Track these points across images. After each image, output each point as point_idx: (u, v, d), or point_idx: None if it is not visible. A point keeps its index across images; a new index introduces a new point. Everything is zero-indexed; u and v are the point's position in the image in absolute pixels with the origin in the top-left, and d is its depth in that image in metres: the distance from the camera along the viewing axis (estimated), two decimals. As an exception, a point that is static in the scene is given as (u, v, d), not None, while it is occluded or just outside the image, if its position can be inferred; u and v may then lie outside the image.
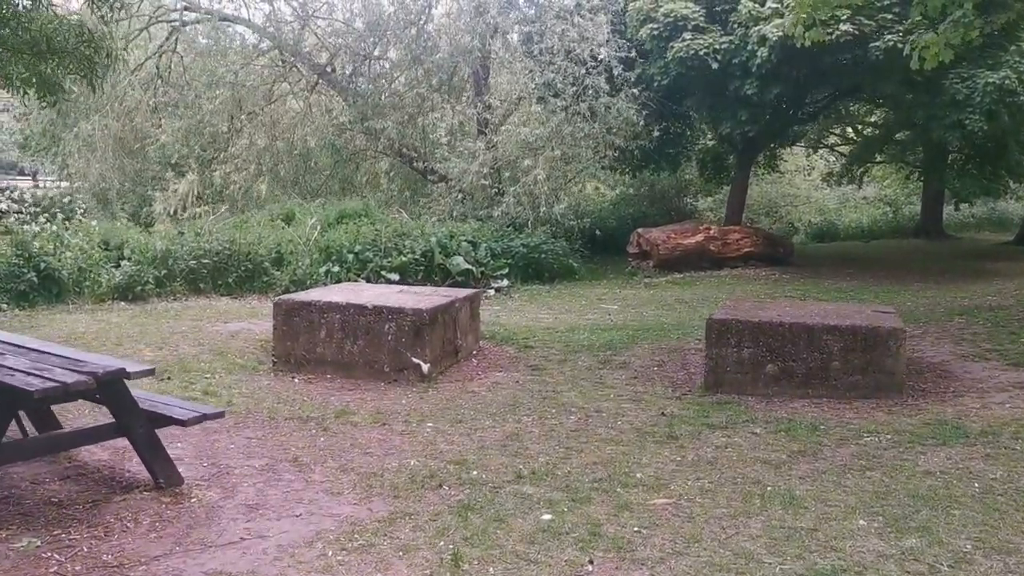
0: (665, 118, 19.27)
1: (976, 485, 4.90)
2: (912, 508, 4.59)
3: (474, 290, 9.49)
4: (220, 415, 5.00)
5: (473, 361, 8.77)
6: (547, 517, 4.54)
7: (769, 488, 4.95)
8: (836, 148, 30.27)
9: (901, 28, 14.88)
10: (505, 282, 14.04)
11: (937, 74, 15.77)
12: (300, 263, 12.52)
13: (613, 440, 6.00)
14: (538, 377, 8.06)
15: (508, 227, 15.53)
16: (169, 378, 7.46)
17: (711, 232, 17.45)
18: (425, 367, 7.93)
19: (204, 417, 4.83)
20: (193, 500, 4.81)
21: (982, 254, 22.67)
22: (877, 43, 14.98)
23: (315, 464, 5.46)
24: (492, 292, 13.67)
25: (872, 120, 26.82)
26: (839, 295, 14.26)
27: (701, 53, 16.09)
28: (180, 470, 5.12)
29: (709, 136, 22.66)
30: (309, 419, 6.53)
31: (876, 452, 5.60)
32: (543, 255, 15.02)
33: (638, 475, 5.23)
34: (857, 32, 14.94)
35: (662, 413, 6.72)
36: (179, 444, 5.76)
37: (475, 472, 5.30)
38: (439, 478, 5.19)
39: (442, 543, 4.21)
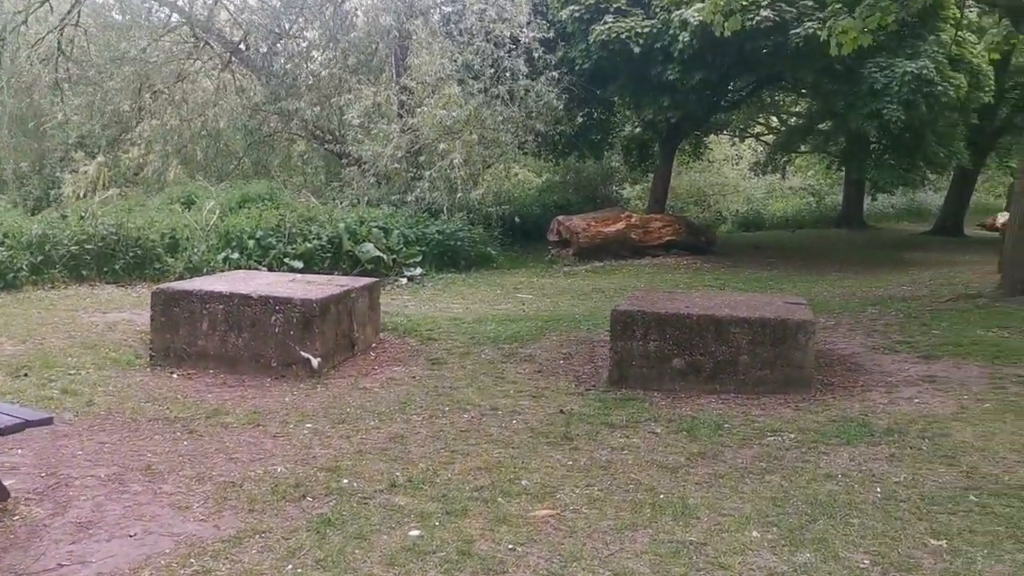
0: (588, 103, 18.94)
1: (878, 490, 4.61)
2: (809, 517, 4.26)
3: (374, 279, 8.98)
4: (47, 421, 4.41)
5: (371, 354, 8.28)
6: (415, 533, 4.10)
7: (662, 496, 4.58)
8: (762, 137, 30.41)
9: (821, 15, 14.75)
10: (418, 270, 13.53)
11: (856, 63, 15.76)
12: (196, 249, 11.81)
13: (504, 442, 5.58)
14: (436, 372, 7.61)
15: (424, 213, 15.00)
16: (26, 375, 6.81)
17: (633, 220, 17.19)
18: (315, 362, 7.42)
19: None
20: (16, 518, 4.24)
21: (900, 244, 22.97)
22: (797, 30, 14.84)
23: (169, 473, 4.92)
24: (404, 281, 13.16)
25: (796, 110, 26.98)
26: (757, 285, 14.13)
27: (623, 37, 15.76)
28: (10, 482, 4.55)
29: (634, 122, 22.43)
30: (176, 420, 5.97)
31: (778, 453, 5.29)
32: (459, 242, 14.55)
33: (523, 482, 4.81)
34: (777, 19, 14.77)
35: (561, 411, 6.33)
36: (19, 451, 5.16)
37: (346, 480, 4.83)
38: (304, 488, 4.71)
39: (290, 567, 3.74)
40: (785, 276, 15.31)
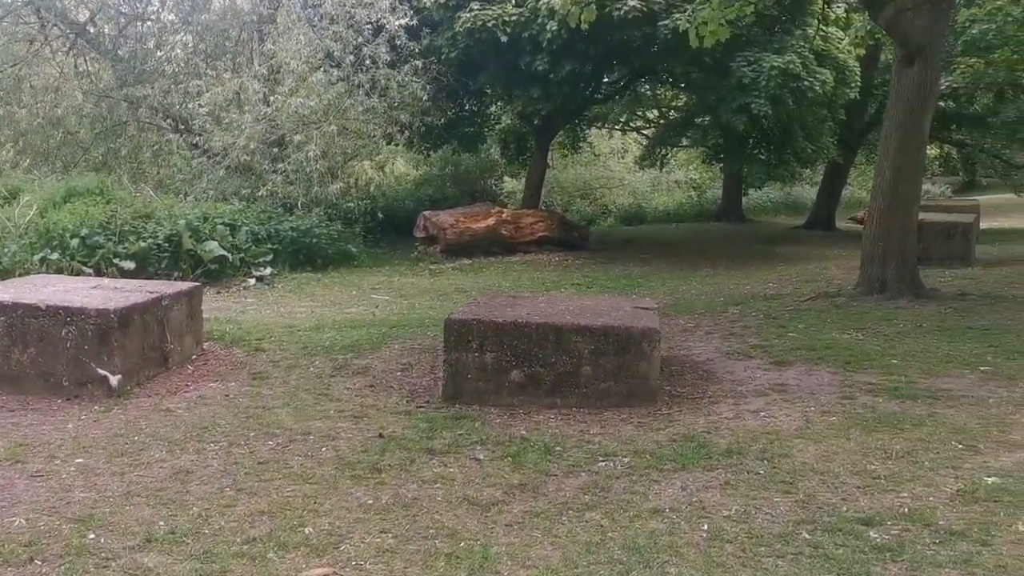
0: (460, 94, 18.30)
1: (705, 528, 4.12)
2: (624, 567, 3.73)
3: (193, 284, 8.11)
4: None
5: (188, 369, 7.43)
6: (150, 608, 3.38)
7: (463, 543, 3.98)
8: (643, 131, 30.37)
9: (689, 7, 14.51)
10: (268, 270, 12.63)
11: (725, 57, 15.61)
12: (6, 250, 10.64)
13: (303, 476, 4.89)
14: (255, 389, 6.84)
15: (278, 209, 14.08)
16: None
17: (503, 216, 16.67)
18: (114, 380, 6.55)
19: None
20: None
21: (774, 238, 23.17)
22: (666, 21, 14.55)
23: None
24: (252, 282, 12.24)
25: (677, 104, 26.99)
26: (626, 283, 13.79)
27: (490, 25, 15.18)
28: None
29: (510, 115, 21.92)
30: (-87, 459, 5.05)
31: (606, 483, 4.76)
32: (315, 240, 13.70)
33: (308, 530, 4.14)
34: (646, 9, 14.45)
35: (380, 434, 5.67)
36: None
37: (94, 534, 4.06)
38: (37, 547, 3.92)
39: (-32, 667, 2.97)
40: (656, 273, 15.05)
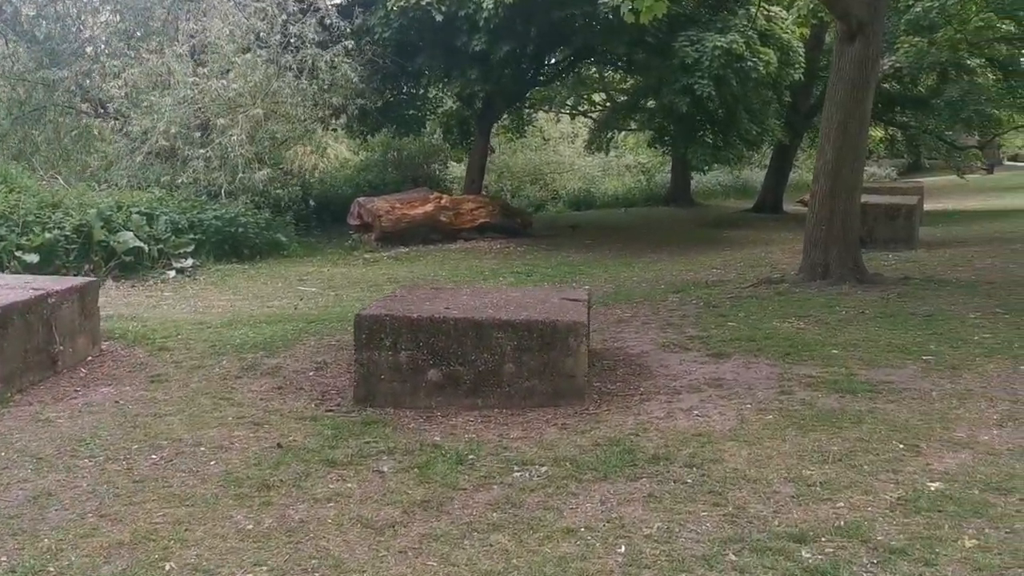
0: (397, 76, 17.67)
1: (622, 550, 3.69)
2: (524, 603, 3.29)
3: (88, 279, 7.50)
4: None
5: (81, 372, 6.84)
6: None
7: (347, 576, 3.51)
8: (590, 115, 29.96)
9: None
10: (190, 262, 11.97)
11: (668, 36, 15.22)
12: None
13: (181, 496, 4.36)
14: (150, 393, 6.27)
15: (202, 196, 13.39)
16: None
17: (442, 202, 16.13)
18: (-11, 387, 5.95)
19: None
20: None
21: (721, 222, 22.94)
22: (606, 0, 14.09)
23: None
24: (172, 274, 11.58)
25: (624, 87, 26.58)
26: (567, 270, 13.37)
27: (424, 3, 14.59)
28: None
29: (452, 97, 21.33)
30: None
31: (519, 497, 4.31)
32: (241, 229, 13.03)
33: (170, 564, 3.63)
34: (585, -13, 14.00)
35: (279, 444, 5.16)
36: None
37: (-83, 577, 3.50)
38: None
39: None
40: (598, 260, 14.65)
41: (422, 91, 19.56)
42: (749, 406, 5.64)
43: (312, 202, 15.35)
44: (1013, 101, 23.65)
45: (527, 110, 25.88)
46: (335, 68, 14.71)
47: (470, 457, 4.92)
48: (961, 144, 27.84)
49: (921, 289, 9.49)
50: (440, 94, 20.88)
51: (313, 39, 14.40)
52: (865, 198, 15.43)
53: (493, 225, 16.65)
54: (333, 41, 15.04)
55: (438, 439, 5.28)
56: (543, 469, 4.69)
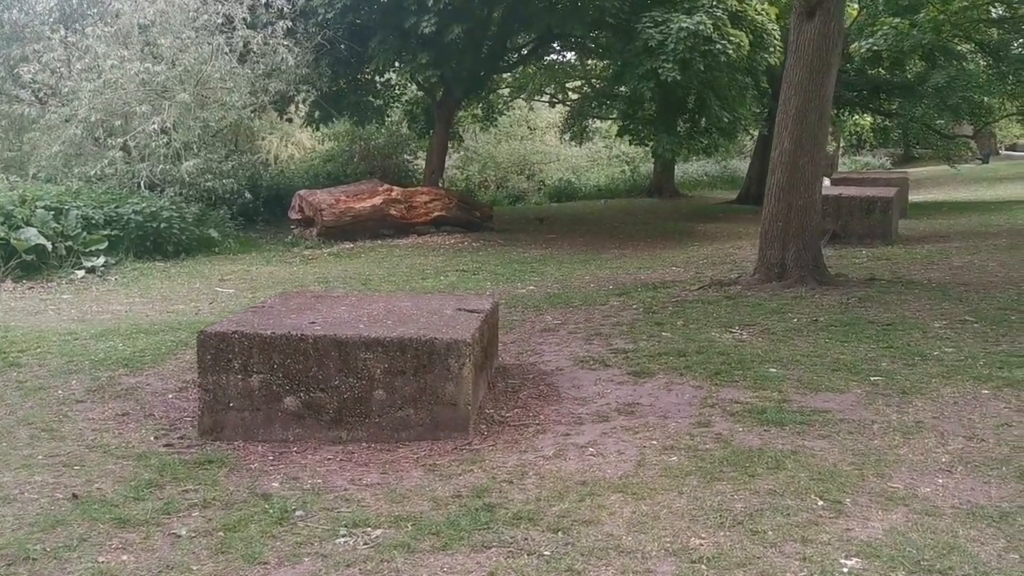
0: (350, 62, 16.69)
1: (419, 668, 2.80)
2: None
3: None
4: None
5: (-97, 394, 5.93)
6: None
7: None
8: (568, 103, 28.95)
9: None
10: (102, 260, 11.03)
11: (631, 18, 14.29)
12: None
13: (-95, 575, 3.47)
14: (-32, 422, 5.37)
15: (123, 190, 12.44)
16: None
17: (393, 194, 15.19)
18: None
19: None
20: None
21: (700, 214, 22.03)
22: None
23: None
24: (81, 274, 10.65)
25: (600, 73, 25.59)
26: (518, 267, 12.46)
27: (367, -19, 13.64)
28: None
29: (415, 85, 20.33)
30: None
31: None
32: (165, 224, 12.09)
33: None
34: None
35: (74, 495, 4.26)
36: None
37: None
38: None
39: None
40: (555, 256, 13.74)
41: (378, 77, 18.57)
42: (655, 443, 4.74)
43: (249, 195, 14.36)
44: (1004, 88, 22.74)
45: (501, 97, 24.92)
46: (274, 52, 13.75)
47: (297, 513, 4.02)
48: (952, 133, 26.88)
49: (886, 292, 8.58)
50: (401, 80, 19.91)
51: (244, 19, 13.42)
52: (840, 190, 14.58)
53: (449, 219, 15.73)
54: (273, 22, 14.06)
55: (276, 486, 4.39)
56: (375, 533, 3.79)
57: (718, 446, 4.61)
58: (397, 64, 16.08)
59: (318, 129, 19.70)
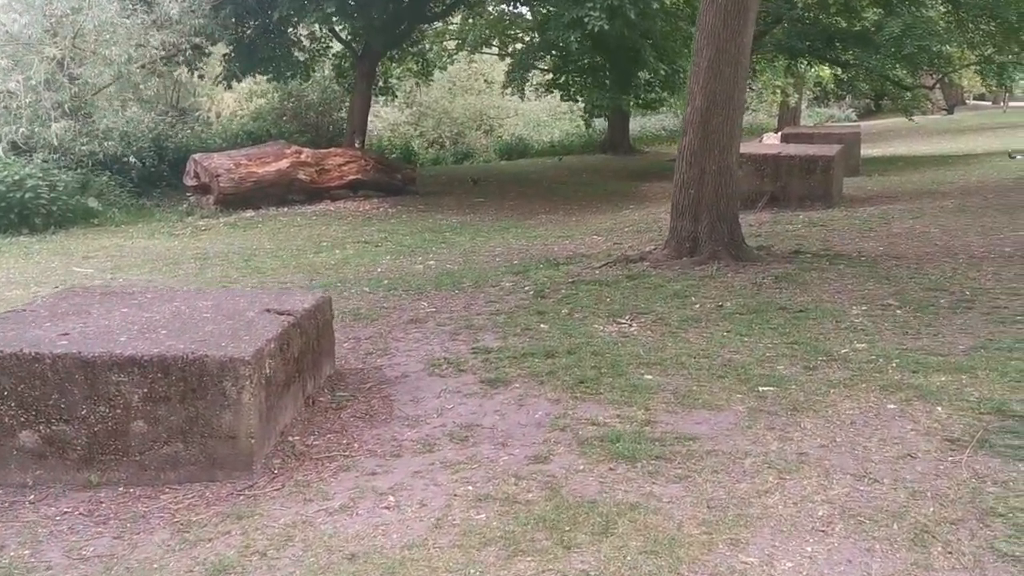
0: (256, 11, 15.35)
1: None
2: None
3: None
4: None
5: None
6: None
7: None
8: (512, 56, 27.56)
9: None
10: (-56, 236, 9.86)
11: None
12: None
13: None
14: None
15: (-12, 156, 11.20)
16: None
17: (302, 157, 14.01)
18: None
19: None
20: None
21: (647, 173, 20.97)
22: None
23: None
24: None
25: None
26: (429, 236, 11.43)
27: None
28: None
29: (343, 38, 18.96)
30: None
31: None
32: (31, 194, 10.88)
33: None
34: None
35: None
36: None
37: None
38: None
39: None
40: (475, 223, 12.70)
41: (292, 29, 17.17)
42: (471, 488, 3.77)
43: (135, 159, 13.11)
44: (963, 37, 21.73)
45: (447, 51, 23.58)
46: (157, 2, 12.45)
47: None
48: (913, 84, 25.88)
49: (808, 269, 7.63)
50: (323, 32, 18.52)
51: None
52: (779, 149, 13.61)
53: (367, 182, 14.60)
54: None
55: (-34, 560, 3.37)
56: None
57: (543, 496, 3.64)
58: (303, 14, 14.74)
59: (230, 87, 18.35)
